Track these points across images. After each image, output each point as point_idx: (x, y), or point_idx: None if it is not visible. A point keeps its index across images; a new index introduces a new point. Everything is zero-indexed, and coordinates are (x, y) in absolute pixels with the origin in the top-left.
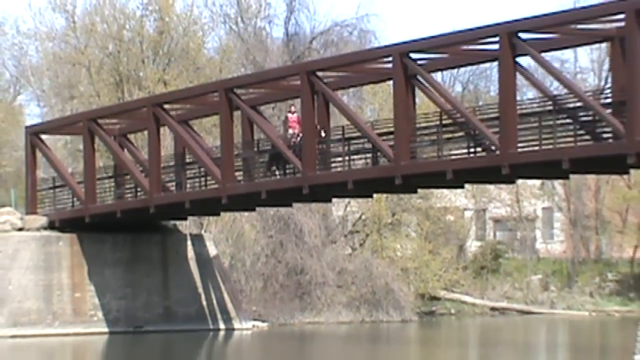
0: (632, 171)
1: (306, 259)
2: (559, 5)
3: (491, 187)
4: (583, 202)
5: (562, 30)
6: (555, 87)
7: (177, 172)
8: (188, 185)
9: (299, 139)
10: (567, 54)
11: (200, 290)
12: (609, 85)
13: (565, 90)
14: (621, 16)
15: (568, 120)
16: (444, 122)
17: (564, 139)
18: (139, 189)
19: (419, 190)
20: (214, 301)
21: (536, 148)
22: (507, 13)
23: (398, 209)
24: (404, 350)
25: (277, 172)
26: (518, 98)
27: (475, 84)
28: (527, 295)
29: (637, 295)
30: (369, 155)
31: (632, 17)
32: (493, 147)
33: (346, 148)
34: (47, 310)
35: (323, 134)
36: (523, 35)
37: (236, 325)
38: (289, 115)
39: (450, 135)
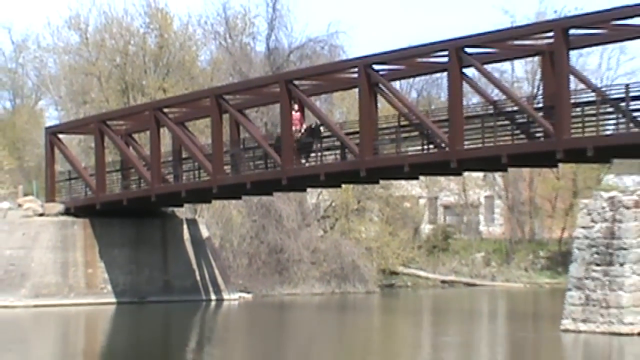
0: (560, 165)
1: (285, 240)
2: (498, 23)
3: (442, 178)
4: (519, 191)
5: (502, 45)
6: (495, 94)
7: (174, 166)
8: (184, 177)
9: (299, 134)
10: (506, 65)
11: (195, 266)
12: (540, 92)
13: (504, 96)
14: (550, 34)
15: (506, 122)
16: (401, 123)
17: (503, 138)
18: (142, 181)
19: (381, 181)
20: (206, 276)
21: (479, 145)
22: (455, 30)
23: (363, 197)
24: (368, 316)
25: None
26: (464, 103)
27: (428, 91)
28: (472, 270)
29: (564, 269)
30: (338, 151)
31: (560, 35)
32: (443, 145)
33: (318, 145)
34: (64, 283)
35: (320, 129)
36: (468, 50)
37: (225, 296)
38: (293, 112)
39: (407, 135)
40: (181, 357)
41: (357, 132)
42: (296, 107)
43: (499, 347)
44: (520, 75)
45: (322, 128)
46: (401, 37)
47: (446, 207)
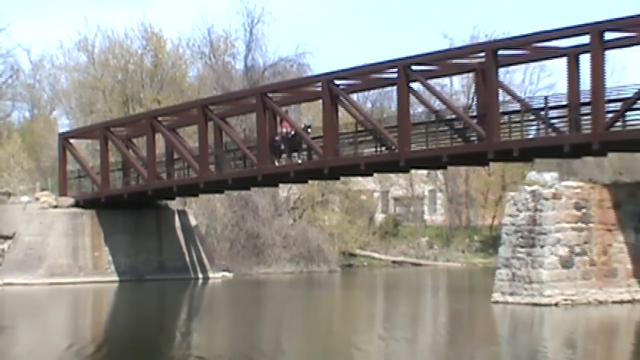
0: (491, 163)
1: (260, 227)
2: (439, 45)
3: (392, 175)
4: (457, 185)
5: (442, 63)
6: (437, 104)
7: (167, 165)
8: (175, 175)
9: (289, 135)
10: (445, 80)
11: (185, 250)
12: (474, 102)
13: (444, 106)
14: (482, 54)
15: (446, 128)
16: (358, 129)
17: (443, 141)
18: (140, 178)
19: (341, 178)
20: (195, 258)
21: (424, 147)
22: (403, 50)
23: (326, 191)
24: (331, 291)
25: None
26: (411, 112)
27: (380, 102)
28: (418, 252)
29: (494, 251)
30: (305, 152)
31: (490, 55)
32: (393, 147)
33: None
34: (74, 265)
35: (309, 131)
36: (414, 67)
37: (210, 275)
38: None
39: (363, 139)
40: (174, 325)
41: (321, 137)
42: (287, 110)
43: (441, 315)
44: (458, 88)
45: (309, 130)
46: (358, 57)
47: (396, 199)
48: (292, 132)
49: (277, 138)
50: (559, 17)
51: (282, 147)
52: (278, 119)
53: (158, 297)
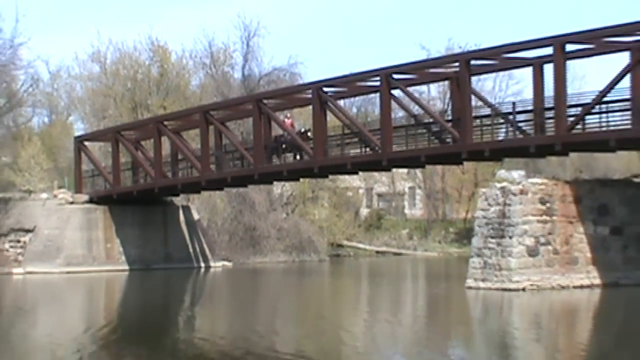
0: (464, 162)
1: (256, 221)
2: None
3: (376, 173)
4: (434, 182)
5: (420, 72)
6: (416, 109)
7: (172, 165)
8: (179, 174)
9: (289, 137)
10: (423, 87)
11: (188, 241)
12: (449, 108)
13: (422, 111)
14: (457, 64)
15: (424, 131)
16: (345, 132)
17: (422, 142)
18: (147, 177)
19: (329, 176)
20: (197, 249)
21: (404, 148)
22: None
23: (316, 188)
24: (321, 278)
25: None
26: (392, 116)
27: (365, 107)
28: (399, 242)
29: (468, 241)
30: (298, 153)
31: (464, 65)
32: (377, 148)
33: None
34: (89, 255)
35: (309, 134)
36: (395, 76)
37: (211, 264)
38: (285, 120)
39: (349, 141)
40: (180, 309)
41: (311, 139)
42: (289, 114)
43: (420, 299)
44: (434, 94)
45: (309, 133)
46: (345, 66)
47: (379, 195)
48: (297, 132)
49: (281, 139)
50: (525, 30)
51: (284, 146)
52: (284, 121)
53: (164, 284)
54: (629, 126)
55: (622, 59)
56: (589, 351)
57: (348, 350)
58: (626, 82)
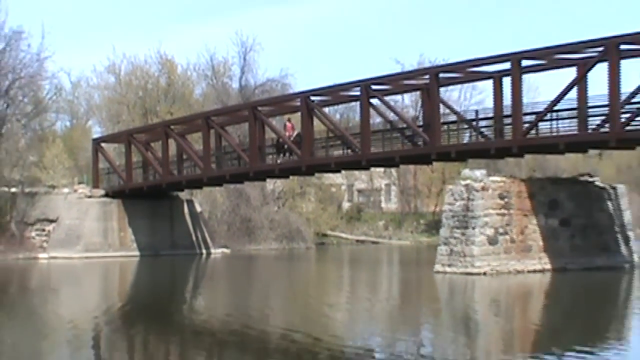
0: (434, 162)
1: (251, 213)
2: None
3: (356, 172)
4: (407, 180)
5: (395, 83)
6: (392, 116)
7: (178, 164)
8: (184, 172)
9: (291, 138)
10: (398, 96)
11: (192, 231)
12: (420, 115)
13: (397, 118)
14: (427, 76)
15: (398, 135)
16: (329, 135)
17: (396, 145)
18: (156, 174)
19: (315, 174)
20: (199, 237)
21: (381, 150)
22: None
23: (304, 184)
24: (308, 263)
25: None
26: (371, 122)
27: (347, 114)
28: (376, 232)
29: (436, 231)
30: (288, 154)
31: (433, 77)
32: (357, 150)
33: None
34: (105, 242)
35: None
36: (374, 87)
37: (212, 251)
38: (287, 123)
39: (333, 143)
40: (185, 289)
41: (300, 142)
42: (290, 119)
43: (394, 281)
44: (407, 103)
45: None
46: (329, 77)
47: (359, 190)
48: (293, 135)
49: (280, 140)
50: (487, 47)
51: (286, 146)
52: (284, 124)
53: (171, 268)
54: (575, 132)
55: (570, 73)
56: (541, 325)
57: (332, 323)
58: (573, 93)
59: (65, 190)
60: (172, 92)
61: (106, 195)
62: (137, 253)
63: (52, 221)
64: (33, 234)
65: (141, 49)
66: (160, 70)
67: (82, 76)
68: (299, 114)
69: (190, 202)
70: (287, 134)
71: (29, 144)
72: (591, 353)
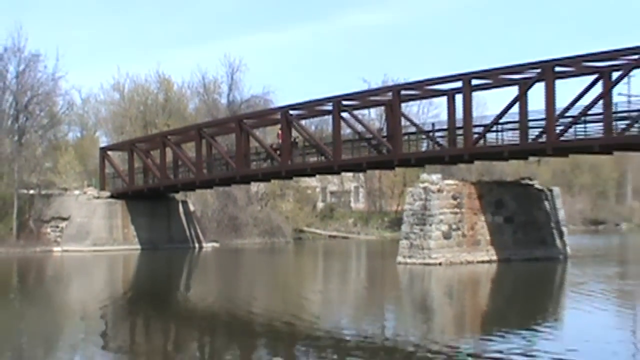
0: (396, 168)
1: (238, 212)
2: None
3: (329, 176)
4: (373, 183)
5: (363, 99)
6: (360, 128)
7: (174, 169)
8: (179, 176)
9: (281, 145)
10: (365, 111)
11: (186, 227)
12: (385, 127)
13: (364, 129)
14: (390, 93)
15: (365, 144)
16: (306, 144)
17: (364, 153)
18: (155, 178)
19: (293, 178)
20: (193, 233)
21: (351, 157)
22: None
23: (283, 187)
24: (287, 255)
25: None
26: (342, 133)
27: (321, 126)
28: (346, 229)
29: (398, 228)
30: (269, 161)
31: (396, 94)
32: (330, 157)
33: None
34: (110, 237)
35: (297, 141)
36: (344, 102)
37: (203, 245)
38: (279, 132)
39: (309, 151)
40: (180, 278)
41: (280, 149)
42: (281, 128)
43: (362, 271)
44: (374, 116)
45: (298, 142)
46: (305, 94)
47: (331, 192)
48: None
49: (274, 146)
50: (441, 68)
51: (278, 152)
52: (277, 133)
53: (168, 260)
54: (517, 141)
55: (513, 91)
56: (488, 307)
57: (308, 306)
58: (516, 108)
59: (76, 192)
60: (169, 107)
61: (111, 196)
62: (138, 247)
63: (65, 219)
64: (48, 230)
65: (142, 69)
66: (159, 88)
67: (91, 93)
68: (279, 125)
69: (184, 203)
70: (279, 141)
71: (45, 152)
72: (532, 329)
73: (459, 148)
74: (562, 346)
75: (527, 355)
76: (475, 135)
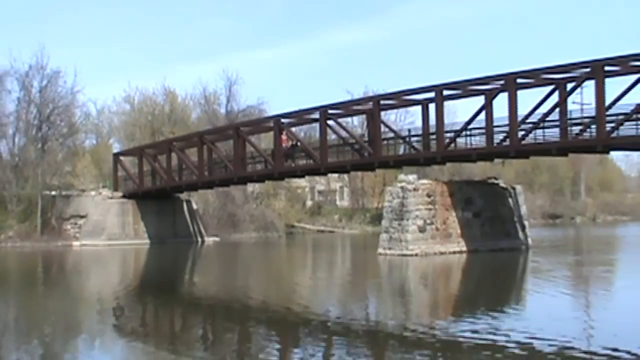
0: (377, 169)
1: (236, 210)
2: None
3: (317, 177)
4: (356, 183)
5: (347, 108)
6: (344, 134)
7: (179, 172)
8: (183, 178)
9: (288, 148)
10: (349, 118)
11: (190, 224)
12: (366, 133)
13: (348, 135)
14: (371, 103)
15: (349, 148)
16: (295, 149)
17: (348, 156)
18: (162, 180)
19: (285, 179)
20: (196, 229)
21: (336, 160)
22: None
23: (276, 187)
24: (280, 247)
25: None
26: (328, 139)
27: (310, 132)
28: (332, 224)
29: (379, 223)
30: (264, 164)
31: (376, 104)
32: (317, 160)
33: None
34: (123, 233)
35: (299, 144)
36: (330, 111)
37: (205, 239)
38: (282, 136)
39: (298, 155)
40: (185, 268)
41: (273, 153)
42: (285, 131)
43: (347, 261)
44: (356, 123)
45: (299, 145)
46: (296, 104)
47: (319, 191)
48: (289, 145)
49: (282, 149)
50: (415, 79)
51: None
52: (280, 137)
53: (174, 252)
54: (484, 145)
55: (480, 100)
56: (459, 292)
57: (299, 293)
58: (482, 116)
59: (93, 193)
60: (174, 116)
61: (124, 196)
62: (147, 241)
63: (82, 217)
64: (68, 226)
65: (150, 83)
66: (165, 99)
67: (105, 105)
68: (271, 132)
69: (188, 202)
70: (288, 145)
71: (65, 158)
72: (498, 310)
73: (432, 151)
74: (528, 325)
75: (497, 334)
76: (447, 140)
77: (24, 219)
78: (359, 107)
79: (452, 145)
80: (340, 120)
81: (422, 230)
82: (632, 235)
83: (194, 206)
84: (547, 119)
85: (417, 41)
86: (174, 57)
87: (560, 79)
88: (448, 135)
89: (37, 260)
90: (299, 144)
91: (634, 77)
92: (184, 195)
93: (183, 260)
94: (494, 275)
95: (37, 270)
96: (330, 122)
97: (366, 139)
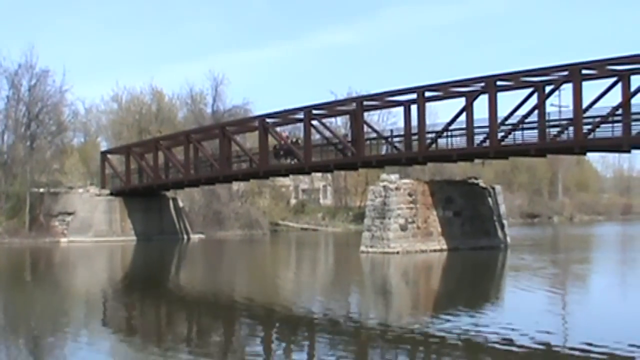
0: (359, 169)
1: (221, 207)
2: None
3: (301, 176)
4: (339, 182)
5: (331, 109)
6: (328, 134)
7: (165, 170)
8: (170, 176)
9: (285, 145)
10: (333, 119)
11: (176, 221)
12: (350, 133)
13: (332, 135)
14: (354, 104)
15: (332, 148)
16: (281, 149)
17: (331, 156)
18: (148, 178)
19: (270, 178)
20: (182, 226)
21: (319, 159)
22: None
23: (261, 185)
24: (265, 245)
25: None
26: (312, 138)
27: (295, 132)
28: (316, 222)
29: (361, 221)
30: (249, 162)
31: (359, 104)
32: (302, 159)
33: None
34: (110, 230)
35: (299, 142)
36: (314, 111)
37: (191, 236)
38: (283, 133)
39: (283, 155)
40: (171, 264)
41: (258, 154)
42: (284, 130)
43: (330, 258)
44: (340, 124)
45: (299, 142)
46: (280, 104)
47: (303, 190)
48: (290, 143)
49: (282, 146)
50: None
51: (282, 152)
52: (280, 134)
53: (161, 249)
54: (464, 146)
55: (461, 102)
56: (440, 289)
57: (283, 289)
58: (463, 117)
59: (80, 190)
60: (161, 115)
61: (111, 194)
62: (134, 238)
63: (70, 214)
64: (56, 223)
65: (138, 83)
66: (152, 99)
67: (93, 104)
68: (257, 132)
69: (174, 199)
70: (283, 141)
71: (53, 155)
72: (478, 307)
73: (414, 152)
74: (507, 319)
75: (477, 329)
76: (428, 141)
77: (12, 216)
78: (343, 108)
79: (434, 145)
80: (324, 120)
81: (403, 228)
82: (607, 234)
83: (180, 204)
84: (526, 120)
85: (400, 44)
86: (162, 57)
87: (539, 81)
88: (429, 135)
89: (25, 257)
90: (299, 141)
91: (610, 81)
92: (170, 193)
93: (169, 257)
94: (473, 273)
95: (25, 267)
96: (314, 122)
97: (349, 139)
